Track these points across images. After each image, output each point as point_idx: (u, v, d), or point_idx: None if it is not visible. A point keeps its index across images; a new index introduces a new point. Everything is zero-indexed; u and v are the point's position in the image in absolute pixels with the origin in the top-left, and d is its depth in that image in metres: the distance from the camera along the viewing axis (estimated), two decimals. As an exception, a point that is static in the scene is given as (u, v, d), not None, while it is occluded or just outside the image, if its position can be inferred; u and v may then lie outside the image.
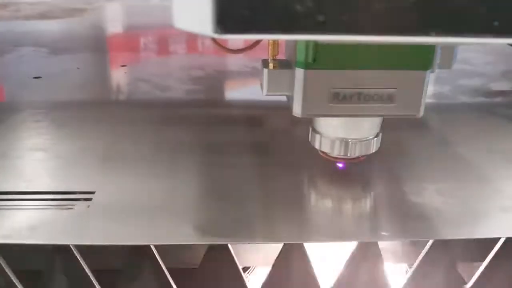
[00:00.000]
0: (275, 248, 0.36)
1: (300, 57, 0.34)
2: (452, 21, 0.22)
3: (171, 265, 0.35)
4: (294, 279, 0.36)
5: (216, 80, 0.69)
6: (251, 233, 0.34)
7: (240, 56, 0.72)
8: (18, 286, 0.33)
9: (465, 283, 0.36)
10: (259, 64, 0.38)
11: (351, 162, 0.41)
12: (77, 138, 0.48)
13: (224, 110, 0.57)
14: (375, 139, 0.40)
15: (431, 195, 0.39)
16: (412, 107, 0.36)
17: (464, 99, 0.64)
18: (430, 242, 0.34)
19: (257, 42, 0.39)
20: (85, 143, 0.46)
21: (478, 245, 0.37)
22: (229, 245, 0.34)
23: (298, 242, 0.34)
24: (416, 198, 0.38)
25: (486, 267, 0.35)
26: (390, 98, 0.36)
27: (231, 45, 0.41)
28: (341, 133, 0.39)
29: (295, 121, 0.38)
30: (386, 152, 0.42)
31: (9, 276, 0.32)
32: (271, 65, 0.37)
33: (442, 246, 0.35)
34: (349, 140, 0.39)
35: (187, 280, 0.35)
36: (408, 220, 0.36)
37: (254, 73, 0.68)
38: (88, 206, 0.35)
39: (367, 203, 0.39)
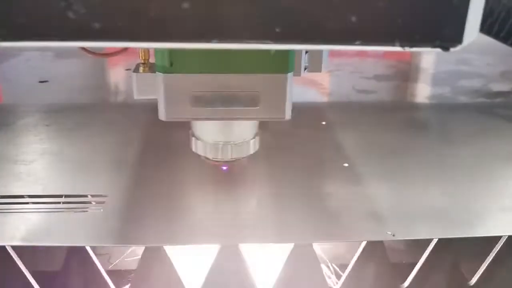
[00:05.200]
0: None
1: (158, 61, 0.34)
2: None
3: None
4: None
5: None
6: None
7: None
8: (35, 286, 0.34)
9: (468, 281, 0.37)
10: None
11: (232, 164, 0.41)
12: (86, 141, 0.49)
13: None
14: (252, 140, 0.39)
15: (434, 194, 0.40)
16: (277, 110, 0.35)
17: (464, 99, 0.65)
18: (435, 241, 0.35)
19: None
20: (94, 147, 0.47)
21: (479, 243, 0.38)
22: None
23: (309, 242, 0.35)
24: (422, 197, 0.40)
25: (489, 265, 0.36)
26: (253, 101, 0.35)
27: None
28: (213, 137, 0.38)
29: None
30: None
31: (26, 277, 0.33)
32: (141, 69, 0.37)
33: (445, 245, 0.36)
34: (220, 143, 0.38)
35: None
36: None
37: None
38: (102, 209, 0.36)
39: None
